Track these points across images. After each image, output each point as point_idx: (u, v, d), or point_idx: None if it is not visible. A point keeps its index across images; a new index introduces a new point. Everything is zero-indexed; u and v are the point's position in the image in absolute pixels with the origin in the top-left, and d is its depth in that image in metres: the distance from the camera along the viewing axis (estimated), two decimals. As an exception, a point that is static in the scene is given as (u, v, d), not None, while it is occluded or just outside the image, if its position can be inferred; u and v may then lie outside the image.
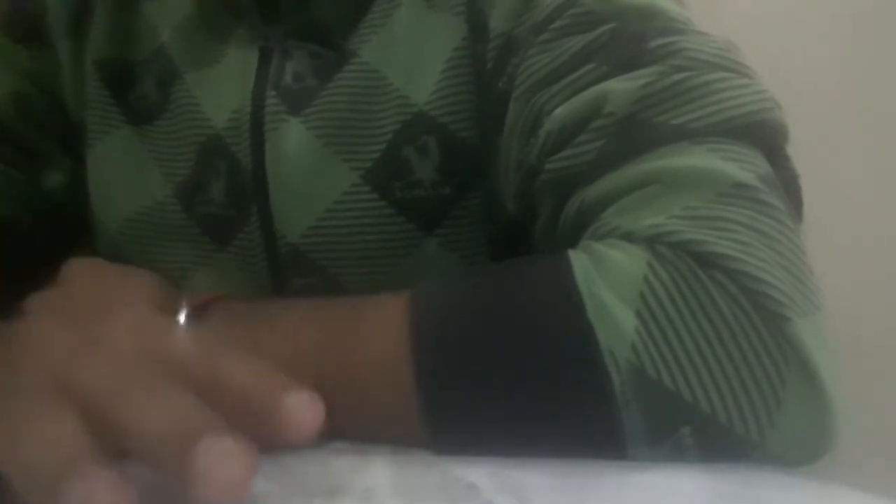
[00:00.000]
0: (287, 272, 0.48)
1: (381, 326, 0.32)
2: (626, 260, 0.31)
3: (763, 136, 0.35)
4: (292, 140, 0.46)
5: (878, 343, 1.01)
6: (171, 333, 0.29)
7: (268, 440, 0.25)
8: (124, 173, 0.51)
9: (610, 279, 0.30)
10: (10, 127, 0.52)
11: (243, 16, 0.49)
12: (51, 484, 0.23)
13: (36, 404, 0.25)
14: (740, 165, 0.33)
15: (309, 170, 0.46)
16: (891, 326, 1.04)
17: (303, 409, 0.26)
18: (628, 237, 0.32)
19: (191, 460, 0.23)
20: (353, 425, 0.33)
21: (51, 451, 0.24)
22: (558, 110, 0.38)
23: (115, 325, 0.29)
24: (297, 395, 0.26)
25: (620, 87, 0.36)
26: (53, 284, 0.41)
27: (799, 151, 0.37)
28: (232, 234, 0.48)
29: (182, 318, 0.35)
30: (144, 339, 0.28)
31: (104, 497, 0.22)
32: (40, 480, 0.24)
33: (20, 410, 0.25)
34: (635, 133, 0.35)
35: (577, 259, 0.31)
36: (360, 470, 0.29)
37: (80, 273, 0.41)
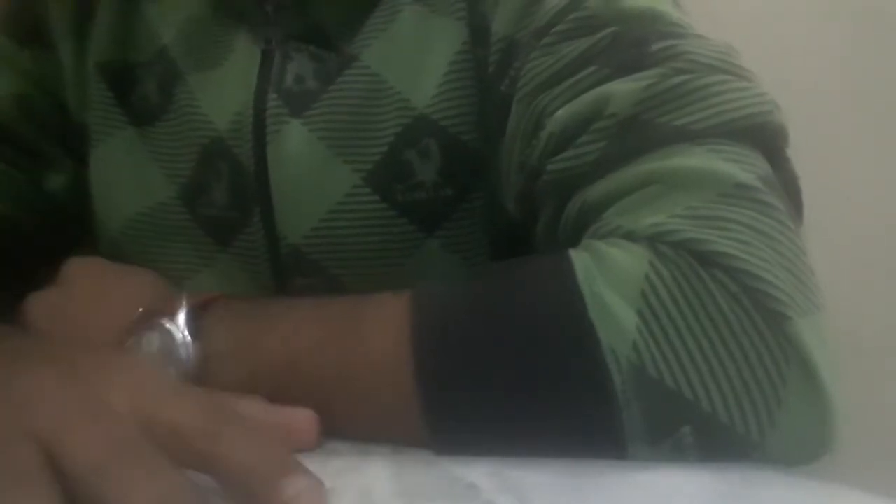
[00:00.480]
0: (289, 273, 0.48)
1: (381, 326, 0.32)
2: (628, 259, 0.31)
3: (763, 137, 0.35)
4: (294, 142, 0.46)
5: (879, 343, 1.01)
6: (172, 399, 0.27)
7: None
8: (127, 174, 0.51)
9: (611, 278, 0.30)
10: (12, 128, 0.52)
11: (245, 18, 0.49)
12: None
13: (18, 482, 0.23)
14: (741, 166, 0.33)
15: (310, 171, 0.46)
16: (891, 326, 1.04)
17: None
18: (630, 236, 0.32)
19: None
20: (353, 425, 0.33)
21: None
22: (560, 112, 0.38)
23: (113, 384, 0.26)
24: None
25: (622, 89, 0.36)
26: (53, 284, 0.41)
27: (799, 152, 0.37)
28: (234, 234, 0.48)
29: (182, 317, 0.35)
30: (143, 403, 0.26)
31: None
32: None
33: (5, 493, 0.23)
34: (637, 134, 0.35)
35: (579, 258, 0.31)
36: (360, 470, 0.29)
37: (80, 272, 0.41)
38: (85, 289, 0.40)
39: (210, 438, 0.25)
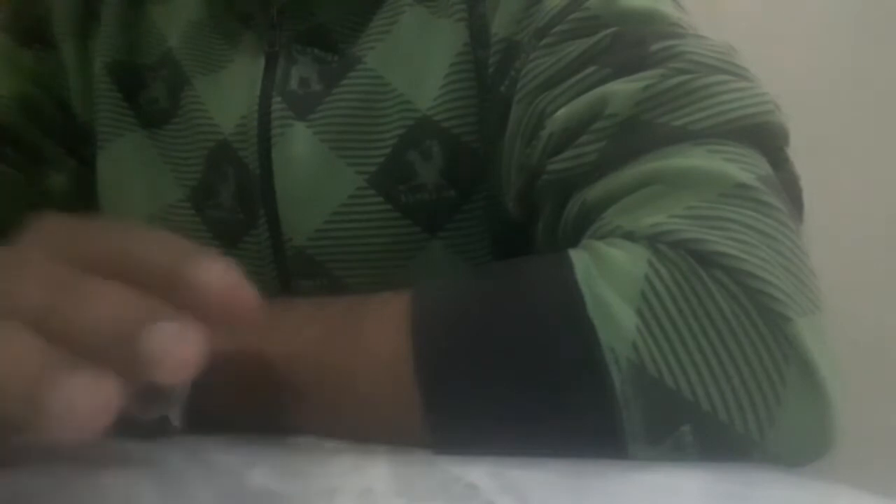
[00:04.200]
0: (294, 275, 0.48)
1: (382, 326, 0.33)
2: (627, 258, 0.31)
3: (763, 138, 0.35)
4: (298, 144, 0.46)
5: (878, 343, 1.01)
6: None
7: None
8: (136, 175, 0.52)
9: (611, 277, 0.30)
10: (14, 128, 0.52)
11: (249, 21, 0.49)
12: (28, 398, 0.20)
13: None
14: (741, 166, 0.33)
15: (315, 174, 0.46)
16: (891, 326, 1.04)
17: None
18: (629, 236, 0.32)
19: (140, 345, 0.21)
20: (353, 425, 0.33)
21: (17, 367, 0.21)
22: (560, 112, 0.38)
23: (29, 240, 0.25)
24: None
25: (622, 90, 0.36)
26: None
27: (799, 152, 0.37)
28: (240, 236, 0.49)
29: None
30: (58, 243, 0.24)
31: (90, 396, 0.20)
32: (13, 399, 0.20)
33: None
34: (636, 134, 0.35)
35: (578, 258, 0.31)
36: (360, 470, 0.29)
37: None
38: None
39: (58, 315, 0.22)
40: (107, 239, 0.24)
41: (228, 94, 0.49)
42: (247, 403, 0.33)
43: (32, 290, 0.22)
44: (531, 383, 0.29)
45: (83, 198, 0.53)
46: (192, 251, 0.24)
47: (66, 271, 0.23)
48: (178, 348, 0.21)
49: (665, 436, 0.29)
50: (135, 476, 0.28)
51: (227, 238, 0.49)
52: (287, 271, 0.48)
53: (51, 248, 0.24)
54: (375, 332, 0.33)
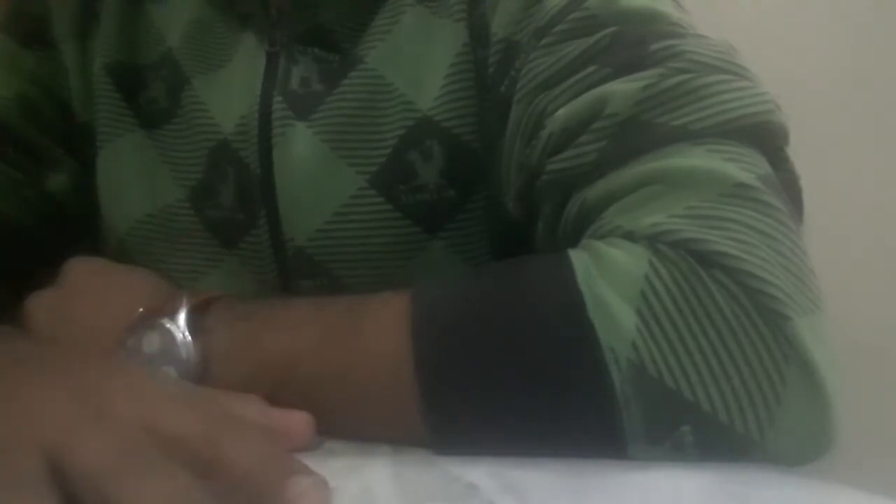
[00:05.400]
0: (295, 274, 0.48)
1: (382, 326, 0.33)
2: (627, 258, 0.31)
3: (763, 137, 0.35)
4: (299, 145, 0.46)
5: (878, 343, 1.01)
6: (174, 407, 0.27)
7: None
8: (136, 175, 0.52)
9: (611, 277, 0.30)
10: (14, 128, 0.52)
11: (250, 20, 0.49)
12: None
13: (18, 489, 0.23)
14: (741, 166, 0.33)
15: (316, 174, 0.46)
16: (890, 326, 1.04)
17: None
18: (629, 236, 0.32)
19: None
20: (353, 424, 0.33)
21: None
22: (560, 112, 0.38)
23: (118, 395, 0.27)
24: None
25: (622, 89, 0.36)
26: (54, 284, 0.41)
27: (799, 152, 0.37)
28: (240, 236, 0.49)
29: (182, 317, 0.35)
30: (147, 412, 0.26)
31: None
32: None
33: (6, 501, 0.23)
34: (636, 134, 0.35)
35: (578, 258, 0.31)
36: (360, 470, 0.29)
37: (81, 272, 0.42)
38: (85, 289, 0.40)
39: (212, 444, 0.25)
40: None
41: (228, 94, 0.49)
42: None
43: (100, 446, 0.24)
44: (531, 383, 0.29)
45: (83, 198, 0.53)
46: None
47: (137, 436, 0.25)
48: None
49: (665, 436, 0.29)
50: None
51: (228, 238, 0.49)
52: (287, 271, 0.48)
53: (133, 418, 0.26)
54: (375, 332, 0.33)
